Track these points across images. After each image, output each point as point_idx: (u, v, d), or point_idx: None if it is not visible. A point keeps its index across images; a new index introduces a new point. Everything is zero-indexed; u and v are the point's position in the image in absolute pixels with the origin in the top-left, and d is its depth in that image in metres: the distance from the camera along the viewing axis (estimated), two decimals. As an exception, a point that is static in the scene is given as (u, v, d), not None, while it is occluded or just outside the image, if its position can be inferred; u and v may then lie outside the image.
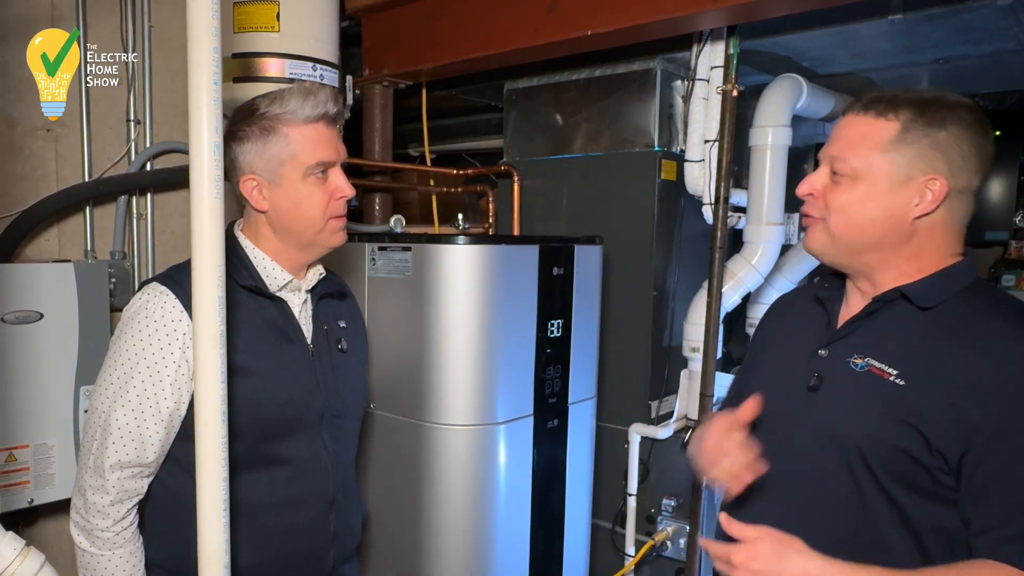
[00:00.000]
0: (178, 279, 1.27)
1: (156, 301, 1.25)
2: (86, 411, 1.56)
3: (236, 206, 1.31)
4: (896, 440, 1.00)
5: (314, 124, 1.29)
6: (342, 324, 1.47)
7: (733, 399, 1.38)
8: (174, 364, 1.23)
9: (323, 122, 1.30)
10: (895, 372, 1.03)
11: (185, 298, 1.23)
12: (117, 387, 1.23)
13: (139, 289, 1.31)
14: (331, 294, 1.46)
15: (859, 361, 1.08)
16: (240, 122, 1.28)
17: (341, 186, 1.32)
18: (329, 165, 1.31)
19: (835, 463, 1.06)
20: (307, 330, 1.39)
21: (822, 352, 1.14)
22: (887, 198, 1.04)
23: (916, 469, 1.00)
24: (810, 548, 0.98)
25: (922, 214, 1.03)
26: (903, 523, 1.02)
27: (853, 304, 1.15)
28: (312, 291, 1.41)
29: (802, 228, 1.22)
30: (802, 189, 1.13)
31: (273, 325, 1.33)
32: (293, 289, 1.37)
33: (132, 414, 1.22)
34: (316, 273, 1.41)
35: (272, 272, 1.34)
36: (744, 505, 1.14)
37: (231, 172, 1.29)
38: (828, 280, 1.22)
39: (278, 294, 1.35)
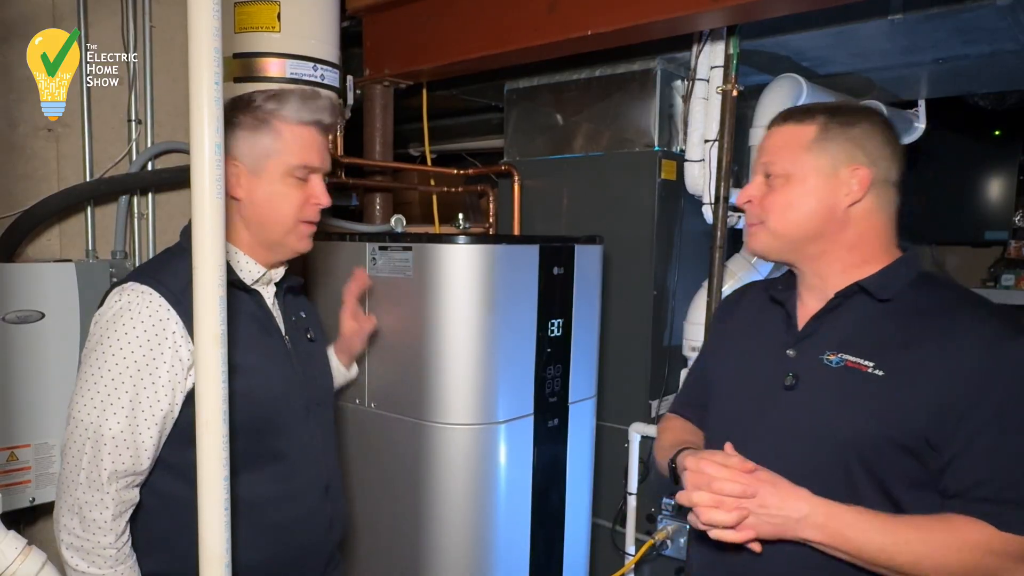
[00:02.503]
0: (157, 276, 1.23)
1: (140, 301, 1.19)
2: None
3: None
4: (887, 431, 1.02)
5: (307, 127, 1.30)
6: (303, 315, 1.50)
7: (689, 402, 1.39)
8: (166, 365, 1.19)
9: (316, 128, 1.31)
10: (871, 364, 1.06)
11: (170, 295, 1.20)
12: (105, 395, 1.17)
13: (110, 291, 1.24)
14: (293, 288, 1.47)
15: (833, 357, 1.10)
16: (236, 110, 1.28)
17: (318, 193, 1.33)
18: (312, 170, 1.32)
19: (827, 462, 1.06)
20: (280, 322, 1.41)
21: (790, 352, 1.15)
22: (819, 191, 1.11)
23: (909, 459, 1.02)
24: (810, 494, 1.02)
25: (853, 202, 1.10)
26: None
27: (808, 303, 1.19)
28: (278, 284, 1.43)
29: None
30: (740, 199, 1.23)
31: (254, 318, 1.33)
32: (265, 282, 1.38)
33: (125, 421, 1.17)
34: (282, 266, 1.43)
35: (246, 265, 1.34)
36: None
37: None
38: (782, 282, 1.27)
39: (253, 287, 1.35)
